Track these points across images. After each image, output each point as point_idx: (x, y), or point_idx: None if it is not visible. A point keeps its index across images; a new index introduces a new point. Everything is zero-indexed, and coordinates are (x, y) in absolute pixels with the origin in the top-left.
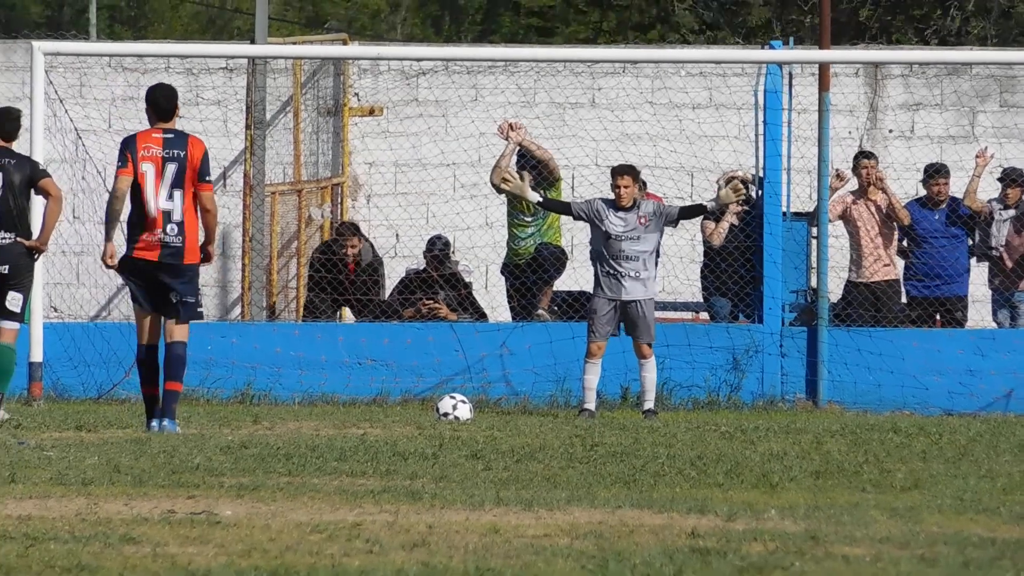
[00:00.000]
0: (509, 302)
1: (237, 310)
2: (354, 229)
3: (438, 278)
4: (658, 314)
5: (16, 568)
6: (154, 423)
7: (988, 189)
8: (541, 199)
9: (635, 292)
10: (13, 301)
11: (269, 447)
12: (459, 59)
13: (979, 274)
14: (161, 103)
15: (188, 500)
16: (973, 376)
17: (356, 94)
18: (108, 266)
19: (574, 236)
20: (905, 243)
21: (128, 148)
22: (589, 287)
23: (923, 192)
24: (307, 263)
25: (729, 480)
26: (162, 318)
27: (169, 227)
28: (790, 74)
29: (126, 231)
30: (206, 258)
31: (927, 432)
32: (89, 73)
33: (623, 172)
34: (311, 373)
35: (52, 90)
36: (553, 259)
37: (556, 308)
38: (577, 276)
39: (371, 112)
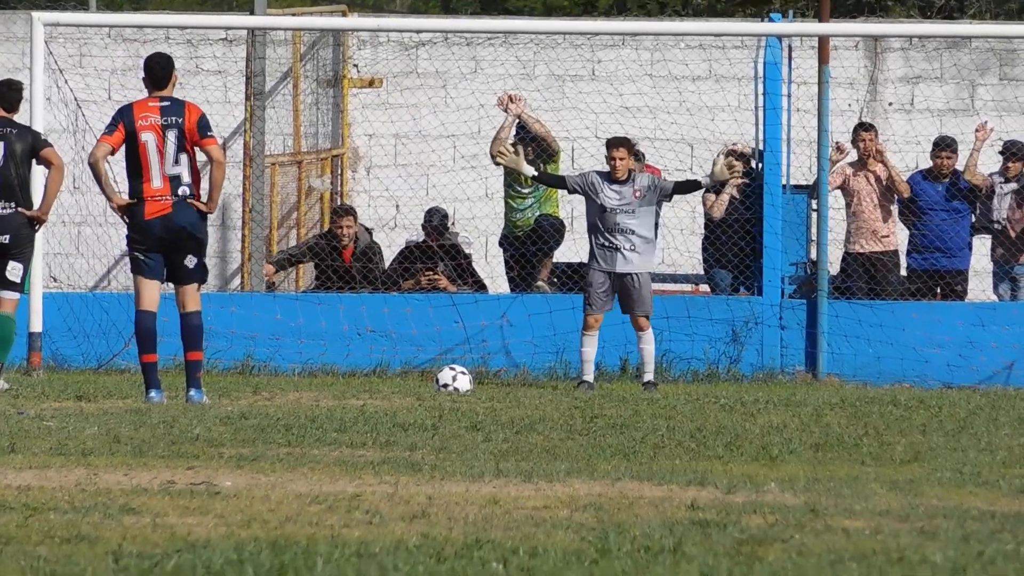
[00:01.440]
0: (508, 273)
1: (237, 280)
2: (349, 211)
3: (437, 249)
4: (658, 286)
5: (16, 538)
6: (153, 394)
7: (988, 163)
8: (536, 173)
9: (630, 265)
10: (13, 271)
11: (269, 418)
12: (458, 31)
13: (980, 247)
14: (156, 71)
15: (188, 471)
16: (973, 349)
17: (356, 65)
18: (119, 211)
19: (573, 208)
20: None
21: (123, 117)
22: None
23: (924, 165)
24: (305, 247)
25: (729, 452)
26: (168, 289)
27: (180, 189)
28: (790, 47)
29: (129, 210)
30: (208, 209)
31: (927, 405)
32: (89, 44)
33: (618, 144)
34: (311, 344)
35: (52, 60)
36: (552, 230)
37: (556, 279)
38: (577, 247)
39: (371, 83)
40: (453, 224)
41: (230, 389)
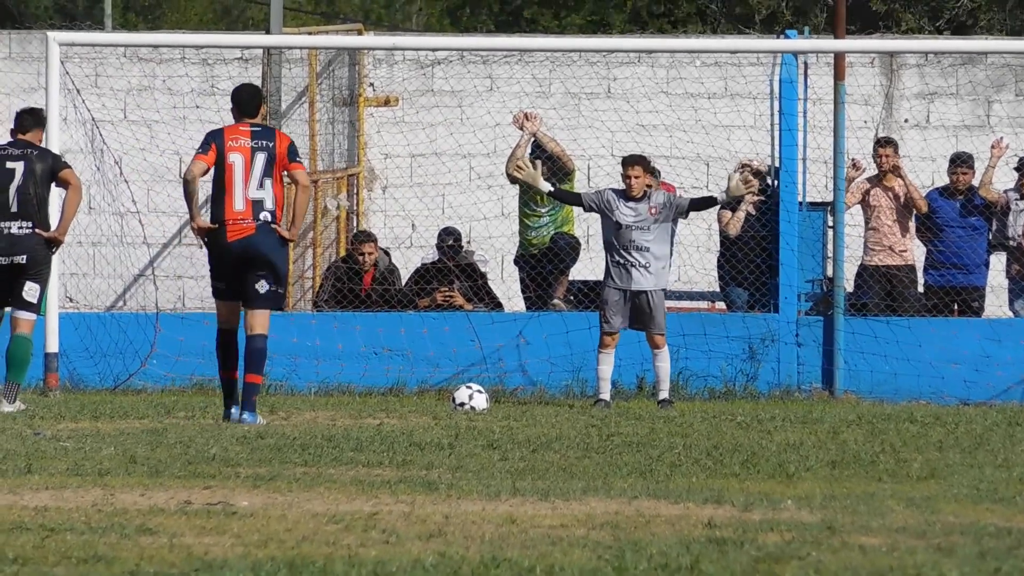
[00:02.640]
0: (524, 292)
1: None
2: (370, 237)
3: (453, 268)
4: (674, 303)
5: (32, 559)
6: (234, 412)
7: (1004, 179)
8: (553, 189)
9: (645, 283)
10: (30, 292)
11: (285, 437)
12: (474, 49)
13: (996, 264)
14: (244, 100)
15: (204, 491)
16: (990, 365)
17: (371, 84)
18: (199, 234)
19: (589, 226)
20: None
21: (214, 138)
22: None
23: (940, 182)
24: (323, 275)
25: (745, 470)
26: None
27: (262, 214)
28: (805, 64)
29: (210, 234)
30: (288, 239)
31: (943, 422)
32: (104, 63)
33: (634, 163)
34: (327, 363)
35: (68, 80)
36: (568, 248)
37: (572, 297)
38: (593, 265)
39: (386, 102)
40: (469, 243)
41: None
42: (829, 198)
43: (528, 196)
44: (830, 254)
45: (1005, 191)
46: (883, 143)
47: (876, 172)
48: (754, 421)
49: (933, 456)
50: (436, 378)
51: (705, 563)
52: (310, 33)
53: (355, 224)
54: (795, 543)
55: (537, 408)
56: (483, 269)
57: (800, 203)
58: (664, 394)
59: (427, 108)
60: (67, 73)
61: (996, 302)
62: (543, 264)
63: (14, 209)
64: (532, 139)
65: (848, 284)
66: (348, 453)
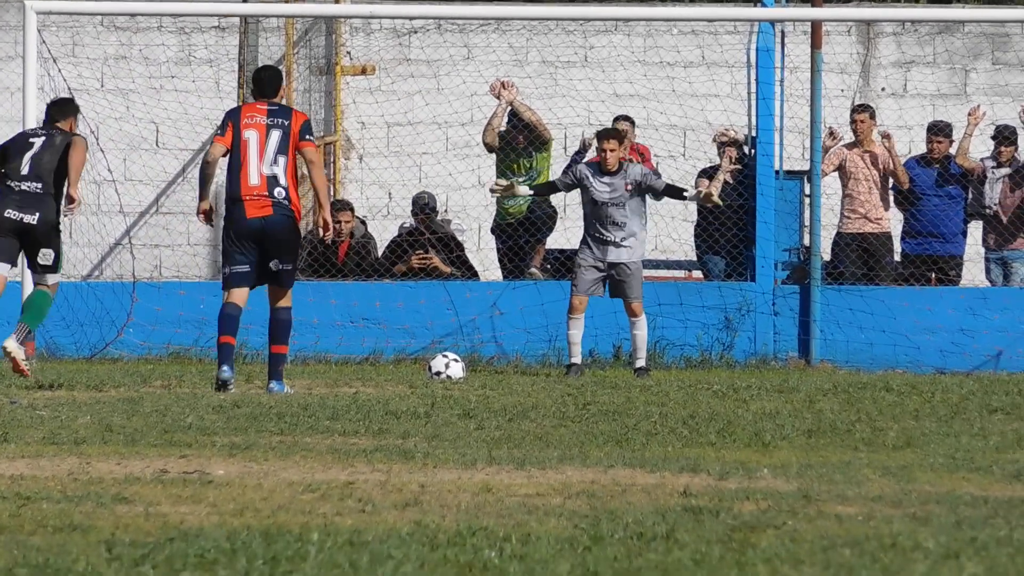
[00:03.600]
0: (500, 261)
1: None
2: (346, 205)
3: (430, 236)
4: (650, 272)
5: (8, 527)
6: (225, 370)
7: (981, 148)
8: (531, 191)
9: (621, 255)
10: (44, 256)
11: (261, 406)
12: (451, 17)
13: (972, 232)
14: (263, 81)
15: (180, 459)
16: (965, 335)
17: (348, 53)
18: (204, 220)
19: (566, 195)
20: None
21: (231, 117)
22: None
23: (917, 150)
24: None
25: (721, 439)
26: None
27: (277, 190)
28: (783, 32)
29: (227, 206)
30: (324, 227)
31: (919, 391)
32: (82, 32)
33: (609, 136)
34: (304, 333)
35: (45, 49)
36: (545, 218)
37: (548, 266)
38: (568, 235)
39: (363, 71)
40: (446, 211)
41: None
42: (806, 167)
43: (505, 166)
44: (806, 223)
45: (982, 159)
46: (859, 109)
47: (853, 139)
48: (730, 390)
49: (909, 425)
50: (412, 347)
51: (681, 532)
52: (287, 1)
53: (332, 193)
54: (771, 512)
55: (513, 377)
56: (459, 239)
57: (776, 172)
58: (641, 363)
59: (404, 77)
60: (44, 42)
61: (972, 272)
62: (520, 234)
63: (25, 171)
64: (508, 108)
65: (825, 253)
66: (324, 422)
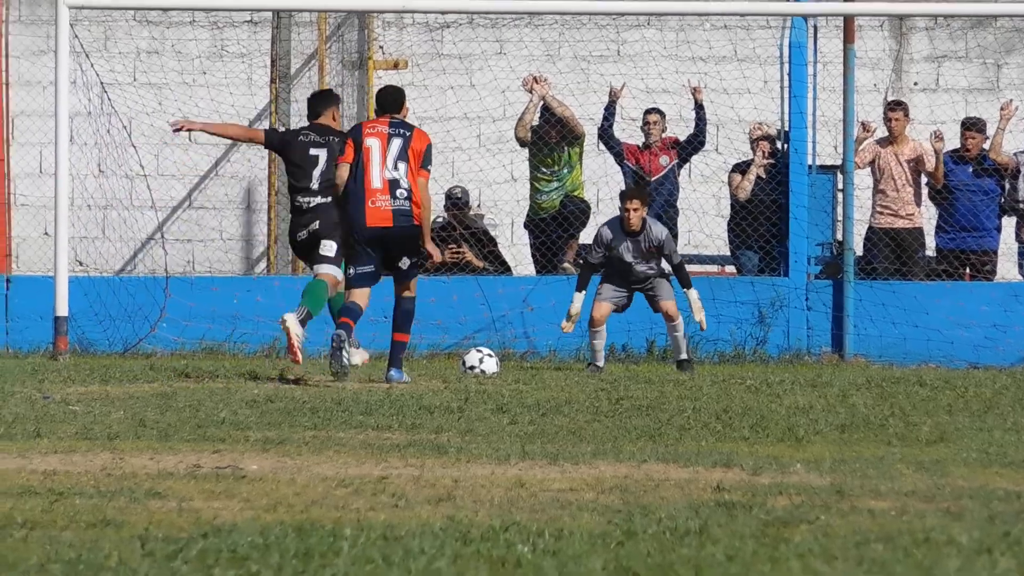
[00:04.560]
0: (533, 256)
1: (262, 264)
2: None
3: (462, 231)
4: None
5: (41, 523)
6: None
7: (1014, 142)
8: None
9: (644, 285)
10: (325, 247)
11: (295, 401)
12: (483, 11)
13: (1005, 227)
14: (387, 100)
15: (214, 454)
16: (998, 329)
17: (380, 47)
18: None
19: (599, 190)
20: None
21: (352, 134)
22: None
23: (949, 145)
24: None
25: (755, 434)
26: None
27: (399, 191)
28: (815, 27)
29: (351, 212)
30: (428, 256)
31: (953, 385)
32: (114, 26)
33: (632, 196)
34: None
35: (77, 44)
36: (578, 212)
37: (582, 261)
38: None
39: (395, 66)
40: (478, 206)
41: (256, 372)
42: (838, 162)
43: (538, 160)
44: (839, 218)
45: (1015, 154)
46: (893, 107)
47: (888, 135)
48: (764, 385)
49: (943, 420)
50: (445, 343)
51: (714, 527)
52: None
53: None
54: (804, 507)
55: (546, 372)
56: (491, 233)
57: (809, 167)
58: (684, 355)
59: (436, 72)
60: (76, 36)
61: (1006, 266)
62: (553, 228)
63: (315, 187)
64: (541, 103)
65: (857, 248)
66: (358, 417)
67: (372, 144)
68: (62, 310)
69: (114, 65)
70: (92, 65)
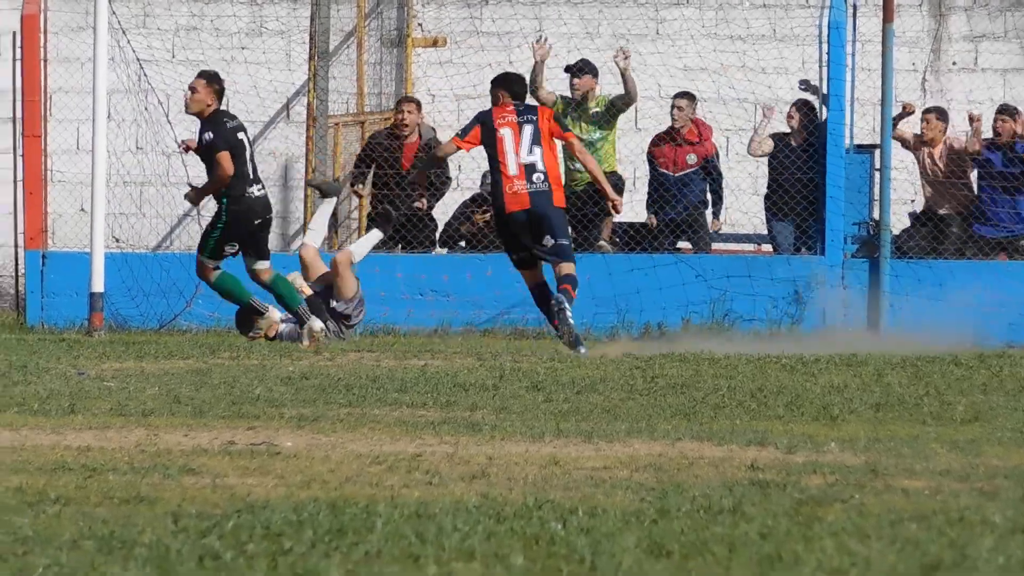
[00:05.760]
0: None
1: (298, 241)
2: (412, 99)
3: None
4: (720, 246)
5: (74, 499)
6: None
7: None
8: None
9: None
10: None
11: (330, 378)
12: None
13: None
14: (517, 87)
15: (248, 431)
16: None
17: (420, 25)
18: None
19: (636, 168)
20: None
21: (479, 121)
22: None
23: (986, 127)
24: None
25: (789, 412)
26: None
27: (535, 175)
28: (854, 6)
29: (493, 203)
30: (615, 208)
31: (988, 364)
32: (152, 3)
33: None
34: (372, 304)
35: (115, 20)
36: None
37: (617, 239)
38: (637, 208)
39: (435, 43)
40: None
41: (291, 349)
42: (876, 141)
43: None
44: (876, 197)
45: None
46: (930, 111)
47: (922, 134)
48: (798, 363)
49: (977, 399)
50: (480, 319)
51: (748, 505)
52: None
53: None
54: (838, 486)
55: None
56: None
57: (847, 146)
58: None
59: (475, 50)
60: (114, 13)
61: None
62: (588, 204)
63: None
64: (544, 63)
65: (894, 227)
66: (392, 394)
67: (505, 134)
68: (98, 286)
69: (152, 42)
70: (129, 42)
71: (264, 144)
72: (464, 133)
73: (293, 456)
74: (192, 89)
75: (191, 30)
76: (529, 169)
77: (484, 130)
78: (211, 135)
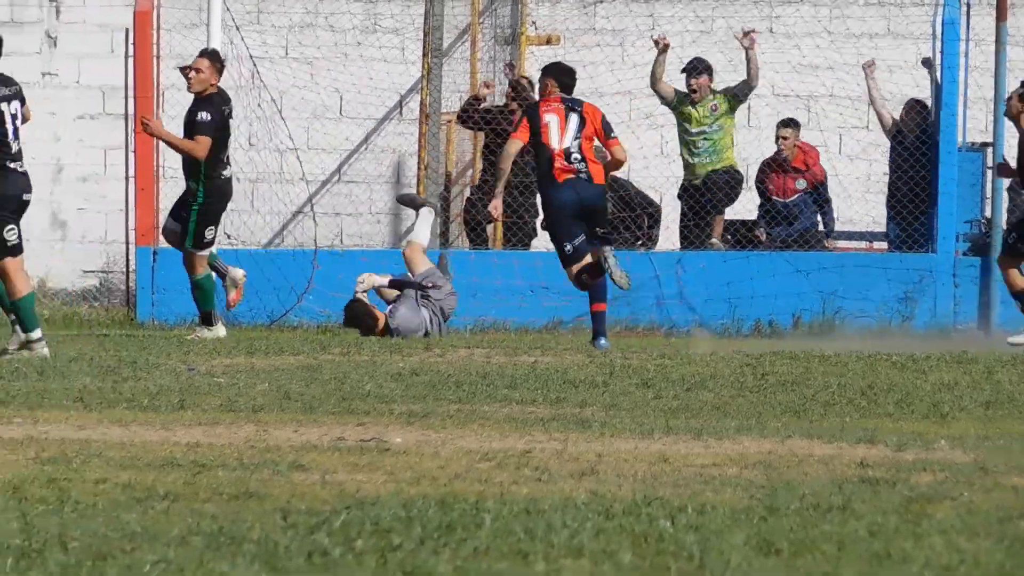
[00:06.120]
0: (682, 222)
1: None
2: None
3: (618, 201)
4: (833, 243)
5: (183, 495)
6: (600, 340)
7: None
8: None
9: None
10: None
11: (440, 374)
12: None
13: None
14: (564, 79)
15: (358, 427)
16: None
17: (534, 23)
18: (491, 219)
19: (749, 165)
20: None
21: (527, 113)
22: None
23: None
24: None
25: (899, 410)
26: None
27: (573, 157)
28: (968, 4)
29: (542, 190)
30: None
31: None
32: (266, 0)
33: None
34: (483, 300)
35: (229, 17)
36: (723, 185)
37: (729, 237)
38: (750, 205)
39: (548, 41)
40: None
41: (402, 345)
42: (989, 139)
43: (682, 129)
44: (988, 195)
45: None
46: None
47: None
48: (909, 361)
49: None
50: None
51: (857, 503)
52: None
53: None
54: (948, 483)
55: (692, 345)
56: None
57: (960, 144)
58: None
59: (588, 47)
60: (228, 9)
61: None
62: (706, 198)
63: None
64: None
65: (1006, 225)
66: (502, 390)
67: (550, 120)
68: None
69: (266, 39)
70: (243, 38)
71: (377, 141)
72: (516, 127)
73: (402, 452)
74: (196, 69)
75: (305, 27)
76: (566, 153)
77: (531, 120)
78: (207, 116)
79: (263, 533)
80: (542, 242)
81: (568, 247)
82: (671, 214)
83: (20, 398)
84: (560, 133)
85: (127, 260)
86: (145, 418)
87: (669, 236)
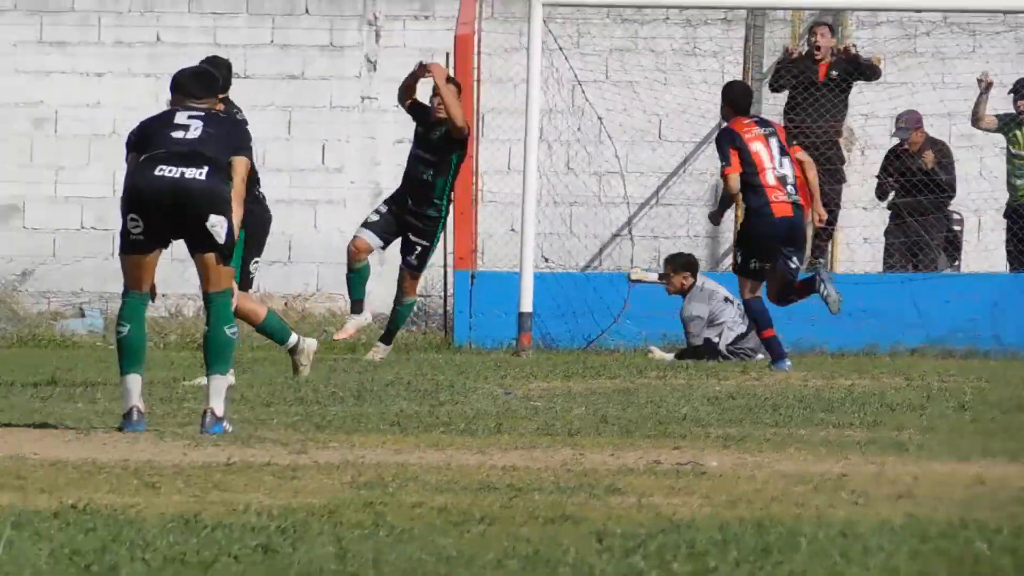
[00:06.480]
0: (1008, 250)
1: (727, 261)
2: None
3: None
4: None
5: (500, 518)
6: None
7: None
8: None
9: None
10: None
11: (756, 398)
12: (957, 10)
13: None
14: (742, 103)
15: (674, 451)
16: None
17: (854, 45)
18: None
19: None
20: None
21: (729, 142)
22: None
23: None
24: None
25: None
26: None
27: (788, 187)
28: None
29: (750, 215)
30: (818, 218)
31: None
32: (587, 23)
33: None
34: (800, 323)
35: (551, 40)
36: None
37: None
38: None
39: None
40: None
41: (718, 369)
42: None
43: (1012, 145)
44: None
45: None
46: None
47: None
48: None
49: None
50: (908, 339)
51: None
52: None
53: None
54: None
55: (1011, 369)
56: (954, 228)
57: None
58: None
59: (909, 69)
60: (550, 32)
61: None
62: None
63: None
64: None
65: None
66: (819, 414)
67: (758, 149)
68: (526, 306)
69: (587, 63)
70: (566, 60)
71: (695, 164)
72: (727, 159)
73: (719, 475)
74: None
75: (625, 51)
76: (782, 180)
77: (738, 152)
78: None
79: (579, 556)
80: (859, 265)
81: (755, 263)
82: (988, 235)
83: (337, 422)
84: (770, 160)
85: (444, 284)
86: (462, 442)
87: (987, 257)
